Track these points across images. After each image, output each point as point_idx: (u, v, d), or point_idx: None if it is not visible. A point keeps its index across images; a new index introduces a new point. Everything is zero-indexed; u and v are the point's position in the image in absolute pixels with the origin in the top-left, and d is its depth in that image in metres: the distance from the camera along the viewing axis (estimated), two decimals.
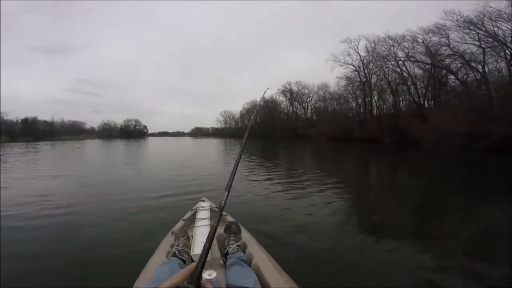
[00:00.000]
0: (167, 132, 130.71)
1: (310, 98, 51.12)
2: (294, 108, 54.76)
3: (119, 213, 3.66)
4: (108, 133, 79.28)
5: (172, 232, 1.65)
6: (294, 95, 53.28)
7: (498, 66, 20.75)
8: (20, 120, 64.05)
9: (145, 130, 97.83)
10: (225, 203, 0.64)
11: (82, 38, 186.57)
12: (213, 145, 26.85)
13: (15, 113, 76.38)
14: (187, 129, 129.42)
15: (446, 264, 2.24)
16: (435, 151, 16.50)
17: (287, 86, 53.58)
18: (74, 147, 24.93)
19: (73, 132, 73.16)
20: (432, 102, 26.79)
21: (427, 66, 26.21)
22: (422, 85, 27.56)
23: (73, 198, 4.60)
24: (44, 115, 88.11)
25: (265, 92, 2.00)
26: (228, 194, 0.66)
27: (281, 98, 56.97)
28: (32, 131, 59.38)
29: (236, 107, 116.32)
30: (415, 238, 2.89)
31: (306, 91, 51.43)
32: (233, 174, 0.75)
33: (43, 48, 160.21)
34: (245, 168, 8.19)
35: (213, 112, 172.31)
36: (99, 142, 43.77)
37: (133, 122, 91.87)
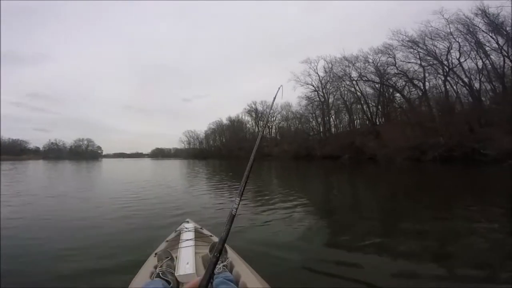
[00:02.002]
0: (124, 153, 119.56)
1: (274, 118, 52.00)
2: (259, 128, 55.11)
3: None
4: (55, 153, 71.63)
5: (155, 254, 1.62)
6: (260, 115, 53.86)
7: (436, 83, 22.93)
8: None
9: (99, 151, 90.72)
10: None
11: (33, 49, 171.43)
12: (174, 168, 23.75)
13: None
14: (146, 150, 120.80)
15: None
16: (389, 165, 16.91)
17: (253, 105, 54.19)
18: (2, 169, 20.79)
19: (14, 151, 64.85)
20: (383, 119, 28.55)
21: (377, 85, 28.13)
22: (373, 103, 29.44)
23: None
24: None
25: (277, 92, 1.74)
26: None
27: (246, 118, 57.26)
28: None
29: (201, 127, 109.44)
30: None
31: (271, 111, 52.31)
32: None
33: None
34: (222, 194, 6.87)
35: (176, 132, 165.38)
36: (42, 163, 38.00)
37: (85, 142, 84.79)
